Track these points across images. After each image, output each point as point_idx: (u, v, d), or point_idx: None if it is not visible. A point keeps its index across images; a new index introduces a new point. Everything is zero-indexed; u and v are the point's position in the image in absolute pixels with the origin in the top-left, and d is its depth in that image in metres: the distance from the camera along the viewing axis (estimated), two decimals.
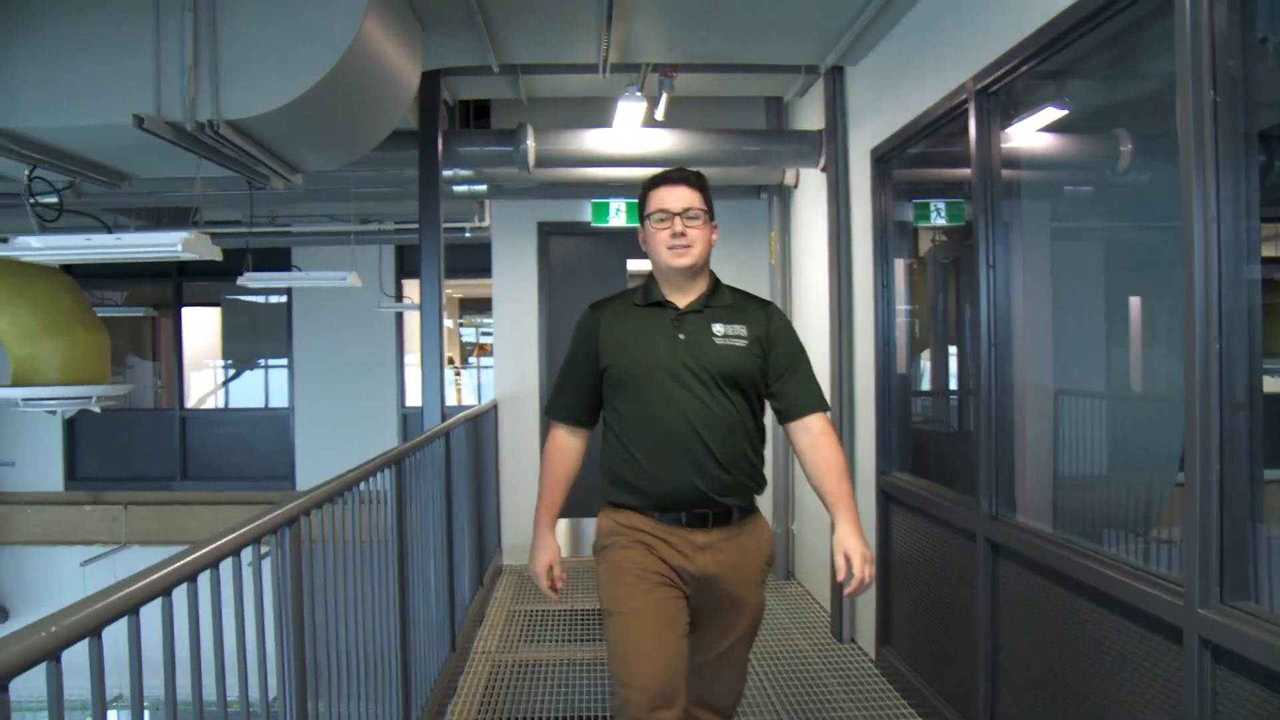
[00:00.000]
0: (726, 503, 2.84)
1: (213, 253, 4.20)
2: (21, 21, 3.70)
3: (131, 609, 1.69)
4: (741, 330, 2.87)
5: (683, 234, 2.84)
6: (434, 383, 6.02)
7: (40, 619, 1.46)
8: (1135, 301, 4.18)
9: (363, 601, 3.37)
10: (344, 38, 3.78)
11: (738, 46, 5.61)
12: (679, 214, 2.84)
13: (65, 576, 10.75)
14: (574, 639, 6.01)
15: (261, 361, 12.16)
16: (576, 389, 3.00)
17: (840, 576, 2.77)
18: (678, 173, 2.92)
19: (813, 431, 2.90)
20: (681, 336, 2.85)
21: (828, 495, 2.87)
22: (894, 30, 4.90)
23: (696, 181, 2.91)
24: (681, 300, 2.92)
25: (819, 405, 2.93)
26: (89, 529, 10.95)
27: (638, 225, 3.03)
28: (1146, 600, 2.64)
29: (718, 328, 2.86)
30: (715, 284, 2.97)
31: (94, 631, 1.59)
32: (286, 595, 2.55)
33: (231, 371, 12.32)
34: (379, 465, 3.60)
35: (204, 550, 2.01)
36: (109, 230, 4.84)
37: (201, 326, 12.34)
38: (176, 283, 11.68)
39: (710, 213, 2.93)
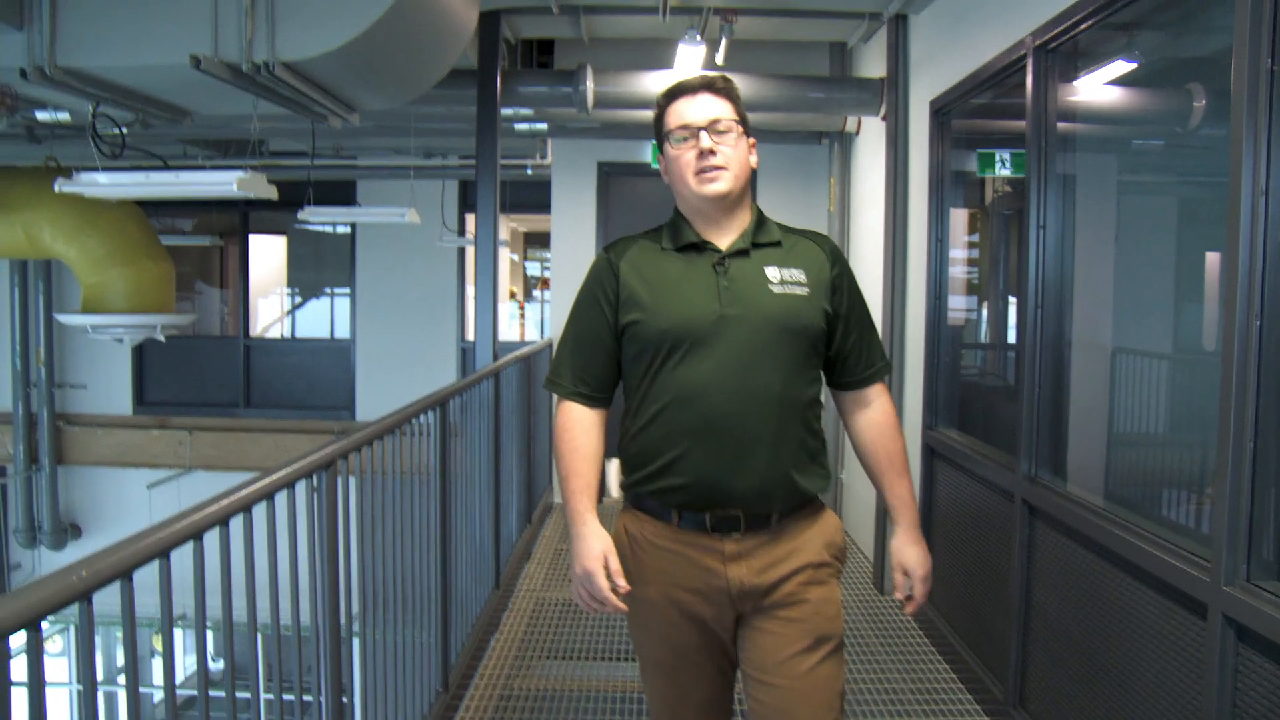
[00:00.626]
0: (775, 500, 2.22)
1: (268, 191, 4.27)
2: None
3: (162, 552, 1.76)
4: (800, 275, 2.26)
5: (711, 152, 2.22)
6: (487, 322, 6.09)
7: (72, 563, 1.53)
8: (1211, 258, 4.07)
9: (404, 535, 3.45)
10: None
11: None
12: (704, 128, 2.23)
13: (133, 497, 11.08)
14: None
15: (327, 290, 12.32)
16: (588, 355, 2.33)
17: (898, 594, 2.36)
18: (698, 79, 2.30)
19: (873, 408, 2.39)
20: (726, 285, 2.22)
21: (886, 493, 2.39)
22: None
23: (723, 87, 2.29)
24: (721, 240, 2.29)
25: (883, 370, 2.40)
26: (156, 452, 11.24)
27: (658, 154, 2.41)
28: (1173, 574, 2.63)
29: (772, 272, 2.25)
30: (760, 217, 2.34)
31: (124, 574, 1.65)
32: (321, 533, 2.63)
33: (298, 299, 12.49)
34: (423, 407, 3.67)
35: (240, 494, 2.08)
36: (168, 168, 4.92)
37: (268, 254, 12.51)
38: (243, 212, 11.83)
39: (745, 125, 2.30)
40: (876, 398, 2.39)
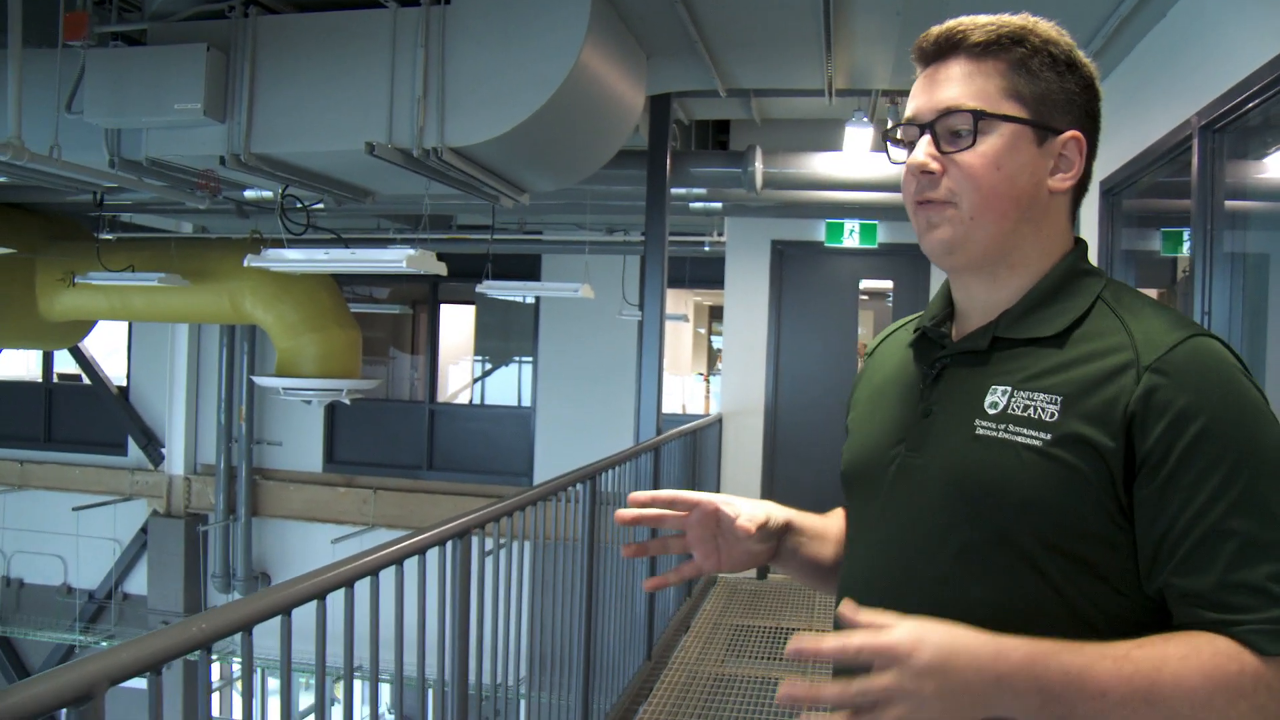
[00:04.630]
0: None
1: (437, 268, 4.52)
2: (276, 61, 4.12)
3: (284, 609, 1.88)
4: (1046, 405, 1.12)
5: (926, 171, 1.19)
6: (651, 395, 6.19)
7: (192, 616, 1.67)
8: None
9: (550, 599, 3.56)
10: (561, 69, 3.99)
11: None
12: (927, 125, 1.20)
13: (318, 551, 11.54)
14: (776, 656, 6.04)
15: (515, 359, 12.70)
16: None
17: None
18: (948, 28, 1.20)
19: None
20: (925, 410, 1.24)
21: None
22: (1124, 61, 4.73)
23: (985, 42, 1.18)
24: (966, 322, 1.28)
25: (1247, 622, 1.01)
26: (341, 509, 11.75)
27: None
28: None
29: (996, 396, 1.17)
30: (1060, 281, 1.21)
31: (245, 627, 1.78)
32: (455, 595, 2.75)
33: (487, 366, 12.92)
34: (572, 480, 3.78)
35: (369, 558, 2.21)
36: (345, 245, 5.26)
37: (459, 323, 13.00)
38: (433, 282, 12.34)
39: (1030, 109, 1.18)
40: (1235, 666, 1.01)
